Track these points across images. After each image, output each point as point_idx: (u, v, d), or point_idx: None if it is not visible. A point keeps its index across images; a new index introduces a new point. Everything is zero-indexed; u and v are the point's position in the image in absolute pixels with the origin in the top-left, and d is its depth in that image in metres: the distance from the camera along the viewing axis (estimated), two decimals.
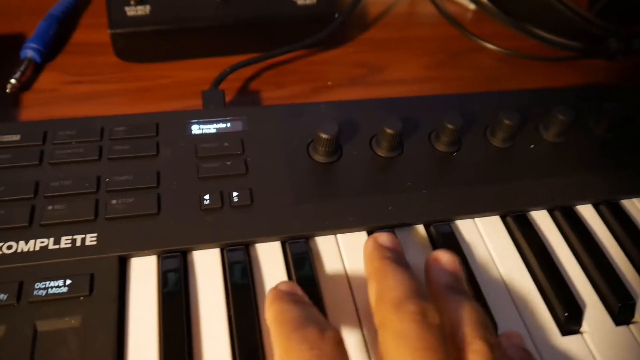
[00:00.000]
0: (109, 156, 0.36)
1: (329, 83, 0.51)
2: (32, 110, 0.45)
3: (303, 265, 0.33)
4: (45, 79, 0.48)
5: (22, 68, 0.47)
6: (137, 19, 0.47)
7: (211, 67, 0.51)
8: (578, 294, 0.34)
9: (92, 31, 0.53)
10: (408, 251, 0.35)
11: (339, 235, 0.35)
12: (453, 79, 0.54)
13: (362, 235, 0.35)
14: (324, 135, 0.37)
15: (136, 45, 0.48)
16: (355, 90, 0.51)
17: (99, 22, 0.53)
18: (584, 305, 0.34)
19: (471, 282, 0.34)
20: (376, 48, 0.56)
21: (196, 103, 0.47)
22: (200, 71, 0.50)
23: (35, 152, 0.36)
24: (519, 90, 0.46)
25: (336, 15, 0.51)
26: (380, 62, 0.55)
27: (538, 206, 0.38)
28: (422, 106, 0.43)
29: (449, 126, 0.38)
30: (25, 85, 0.47)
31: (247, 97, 0.49)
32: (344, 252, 0.35)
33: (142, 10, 0.47)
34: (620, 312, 0.33)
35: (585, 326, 0.33)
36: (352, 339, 0.31)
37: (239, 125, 0.39)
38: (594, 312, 0.34)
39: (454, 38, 0.59)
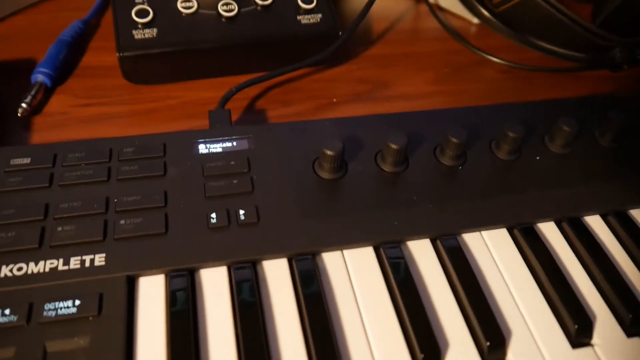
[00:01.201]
0: (118, 177, 0.37)
1: (335, 100, 0.52)
2: (43, 133, 0.46)
3: (310, 283, 0.33)
4: (56, 103, 0.49)
5: (32, 92, 0.47)
6: (144, 42, 0.47)
7: (218, 87, 0.51)
8: (588, 306, 0.34)
9: (101, 54, 0.54)
10: (413, 266, 0.35)
11: (345, 251, 0.35)
12: (458, 92, 0.54)
13: (368, 251, 0.36)
14: (328, 152, 0.37)
15: (144, 67, 0.49)
16: (360, 106, 0.52)
17: (108, 45, 0.55)
18: (594, 317, 0.33)
19: (479, 295, 0.33)
20: (380, 64, 0.57)
21: (203, 123, 0.48)
22: (207, 91, 0.51)
23: (45, 175, 0.37)
24: (523, 103, 0.46)
25: (340, 33, 0.52)
26: (384, 78, 0.55)
27: (545, 218, 0.38)
28: (427, 120, 0.43)
29: (454, 140, 0.39)
30: (36, 109, 0.48)
31: (253, 115, 0.50)
32: (350, 268, 0.35)
33: (150, 33, 0.48)
34: (631, 324, 0.33)
35: (596, 338, 0.33)
36: (361, 357, 0.31)
37: (244, 144, 0.40)
38: (605, 323, 0.33)
39: (458, 52, 0.59)
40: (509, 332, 0.32)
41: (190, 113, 0.49)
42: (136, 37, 0.48)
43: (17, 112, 0.47)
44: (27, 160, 0.37)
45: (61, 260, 0.32)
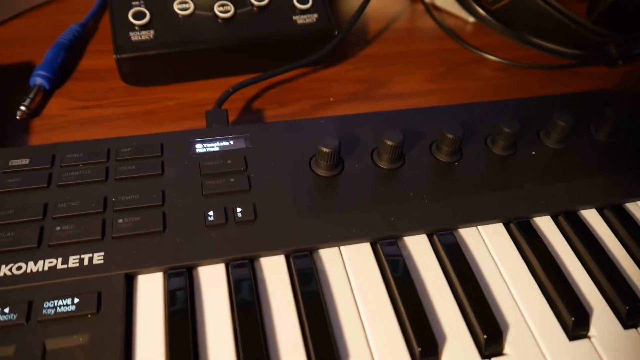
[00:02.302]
0: (116, 177, 0.37)
1: (331, 99, 0.52)
2: (42, 135, 0.47)
3: (307, 279, 0.33)
4: (54, 105, 0.49)
5: (31, 95, 0.48)
6: (141, 44, 0.48)
7: (214, 88, 0.52)
8: (584, 299, 0.34)
9: (99, 57, 0.55)
10: (410, 261, 0.35)
11: (342, 247, 0.36)
12: (454, 90, 0.54)
13: (365, 247, 0.36)
14: (325, 149, 0.37)
15: (141, 69, 0.49)
16: (357, 105, 0.52)
17: (105, 48, 0.55)
18: (591, 309, 0.34)
19: (475, 289, 0.34)
20: (377, 63, 0.57)
21: (200, 124, 0.48)
22: (204, 92, 0.51)
23: (44, 175, 0.37)
24: (518, 99, 0.47)
25: (336, 33, 0.52)
26: (381, 77, 0.55)
27: (541, 212, 0.38)
28: (423, 118, 0.44)
29: (449, 136, 0.39)
30: (34, 111, 0.48)
31: (250, 116, 0.50)
32: (347, 264, 0.35)
33: (146, 34, 0.48)
34: (628, 316, 0.33)
35: (593, 330, 0.33)
36: (359, 353, 0.31)
37: (241, 143, 0.40)
38: (602, 316, 0.33)
39: (454, 51, 0.60)
40: (506, 325, 0.32)
41: (188, 114, 0.50)
42: (133, 39, 0.48)
43: (15, 115, 0.47)
44: (25, 161, 0.38)
45: (60, 259, 0.33)
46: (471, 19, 0.63)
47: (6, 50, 0.54)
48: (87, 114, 0.49)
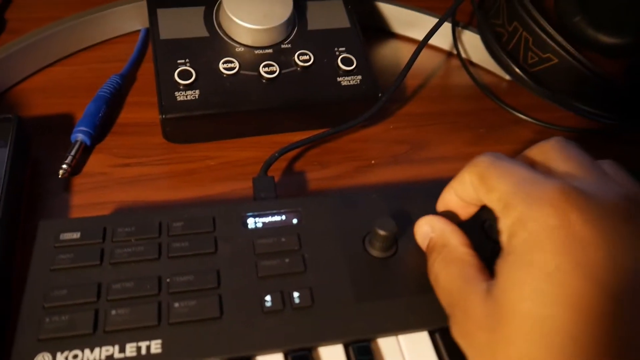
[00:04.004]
0: (169, 254, 0.36)
1: (373, 162, 0.52)
2: (84, 195, 0.46)
3: None
4: (95, 162, 0.49)
5: (72, 152, 0.47)
6: (186, 104, 0.47)
7: (257, 147, 0.51)
8: None
9: (139, 110, 0.54)
10: None
11: (400, 336, 0.35)
12: None
13: (423, 336, 0.35)
14: (382, 232, 0.36)
15: (185, 128, 0.49)
16: (398, 168, 0.52)
17: (144, 100, 0.55)
18: None
19: None
20: (416, 123, 0.57)
21: (243, 185, 0.48)
22: (246, 151, 0.51)
23: (96, 251, 0.36)
24: None
25: (380, 95, 0.52)
26: (421, 138, 0.55)
27: None
28: None
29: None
30: (75, 168, 0.48)
31: (293, 178, 0.50)
32: (406, 354, 0.34)
33: (192, 94, 0.48)
34: None
35: None
36: None
37: (294, 218, 0.40)
38: None
39: (492, 110, 0.59)
40: None
41: (230, 174, 0.49)
42: (179, 98, 0.47)
43: (57, 173, 0.46)
44: (76, 235, 0.37)
45: (117, 347, 0.32)
46: (507, 76, 0.63)
47: (45, 100, 0.53)
48: (129, 172, 0.48)
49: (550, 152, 0.33)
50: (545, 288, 0.26)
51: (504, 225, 0.30)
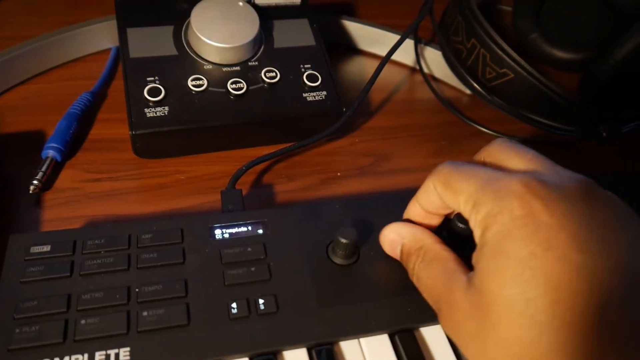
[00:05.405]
0: (138, 265, 0.38)
1: (338, 174, 0.54)
2: (55, 210, 0.47)
3: None
4: (66, 178, 0.50)
5: (43, 168, 0.48)
6: (156, 120, 0.49)
7: (225, 161, 0.53)
8: None
9: (109, 126, 0.55)
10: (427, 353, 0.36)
11: (362, 339, 0.37)
12: None
13: (383, 339, 0.37)
14: (343, 240, 0.38)
15: (154, 144, 0.50)
16: (364, 180, 0.53)
17: (115, 117, 0.56)
18: None
19: None
20: (381, 137, 0.59)
21: (212, 199, 0.49)
22: (215, 165, 0.53)
23: (66, 264, 0.37)
24: None
25: (344, 109, 0.54)
26: (385, 151, 0.57)
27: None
28: None
29: (460, 225, 0.40)
30: (46, 184, 0.48)
31: (261, 191, 0.51)
32: (367, 356, 0.36)
33: (161, 111, 0.49)
34: None
35: None
36: None
37: (260, 229, 0.41)
38: None
39: (453, 124, 0.62)
40: None
41: (200, 188, 0.50)
42: (148, 115, 0.49)
43: (27, 189, 0.47)
44: (47, 248, 0.38)
45: (86, 356, 0.33)
46: (468, 91, 0.66)
47: (16, 118, 0.54)
48: (100, 187, 0.49)
49: (499, 153, 0.35)
50: (523, 273, 0.28)
51: (475, 221, 0.32)
